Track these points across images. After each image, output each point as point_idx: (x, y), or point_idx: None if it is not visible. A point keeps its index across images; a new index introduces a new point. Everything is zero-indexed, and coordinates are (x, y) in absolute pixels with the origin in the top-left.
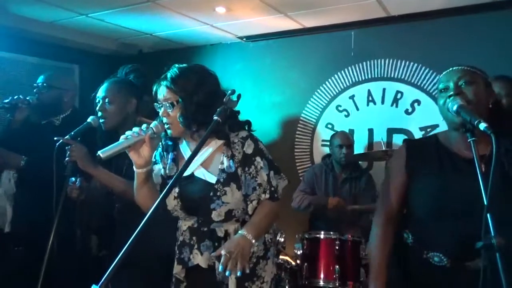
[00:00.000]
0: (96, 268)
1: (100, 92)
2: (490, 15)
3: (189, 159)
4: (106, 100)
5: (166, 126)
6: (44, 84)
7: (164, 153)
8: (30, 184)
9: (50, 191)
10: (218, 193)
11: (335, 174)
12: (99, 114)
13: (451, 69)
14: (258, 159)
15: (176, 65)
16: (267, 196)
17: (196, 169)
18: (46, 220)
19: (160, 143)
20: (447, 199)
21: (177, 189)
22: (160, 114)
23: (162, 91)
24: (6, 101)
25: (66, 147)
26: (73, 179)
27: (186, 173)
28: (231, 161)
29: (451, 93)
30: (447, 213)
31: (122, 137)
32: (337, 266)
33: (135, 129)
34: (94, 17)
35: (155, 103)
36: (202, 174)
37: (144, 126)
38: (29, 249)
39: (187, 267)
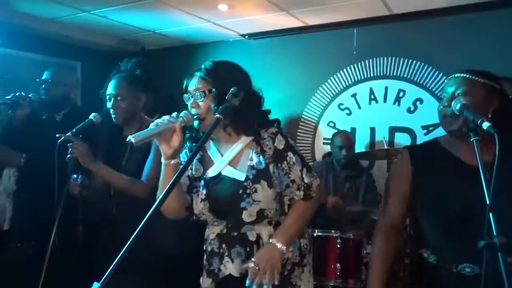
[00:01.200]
0: (97, 265)
1: (110, 89)
2: (493, 14)
3: (194, 153)
4: (118, 98)
5: (195, 117)
6: (51, 81)
7: (190, 153)
8: (31, 181)
9: (51, 188)
10: (248, 191)
11: (335, 173)
12: (112, 111)
13: (453, 76)
14: (290, 154)
15: (211, 59)
16: (301, 194)
17: (223, 168)
18: (47, 217)
19: (186, 145)
20: (463, 208)
21: (204, 191)
22: (189, 105)
23: (193, 82)
24: (8, 97)
25: (68, 144)
26: (75, 176)
27: (213, 174)
28: (261, 157)
29: (445, 104)
30: (465, 223)
31: (151, 124)
32: (339, 264)
33: (165, 117)
34: (97, 14)
35: (185, 95)
36: (230, 172)
37: (174, 114)
38: (30, 246)
39: (218, 279)
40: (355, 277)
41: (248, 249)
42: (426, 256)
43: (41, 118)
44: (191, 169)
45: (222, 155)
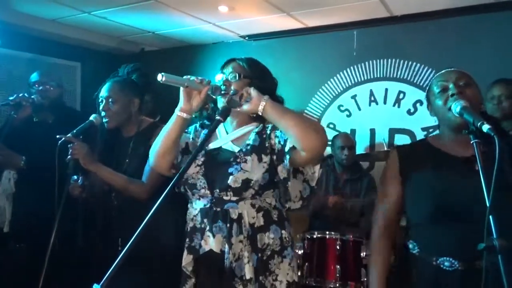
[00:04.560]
0: (97, 265)
1: (103, 92)
2: (493, 16)
3: (199, 146)
4: (110, 100)
5: (222, 92)
6: (46, 83)
7: (200, 128)
8: (30, 183)
9: (51, 189)
10: (238, 160)
11: (336, 175)
12: (103, 114)
13: (447, 70)
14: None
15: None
16: None
17: (226, 143)
18: (48, 218)
19: (197, 120)
20: (447, 199)
21: (202, 158)
22: (221, 82)
23: (230, 67)
24: (11, 98)
25: (69, 145)
26: (75, 177)
27: (214, 146)
28: (258, 135)
29: (453, 92)
30: (450, 214)
31: (185, 76)
32: (338, 266)
33: (199, 77)
34: (97, 15)
35: (221, 73)
36: (230, 147)
37: (206, 79)
38: (30, 246)
39: (198, 255)
40: (355, 279)
41: (229, 225)
42: (411, 247)
43: (34, 121)
44: (194, 139)
45: (227, 133)
